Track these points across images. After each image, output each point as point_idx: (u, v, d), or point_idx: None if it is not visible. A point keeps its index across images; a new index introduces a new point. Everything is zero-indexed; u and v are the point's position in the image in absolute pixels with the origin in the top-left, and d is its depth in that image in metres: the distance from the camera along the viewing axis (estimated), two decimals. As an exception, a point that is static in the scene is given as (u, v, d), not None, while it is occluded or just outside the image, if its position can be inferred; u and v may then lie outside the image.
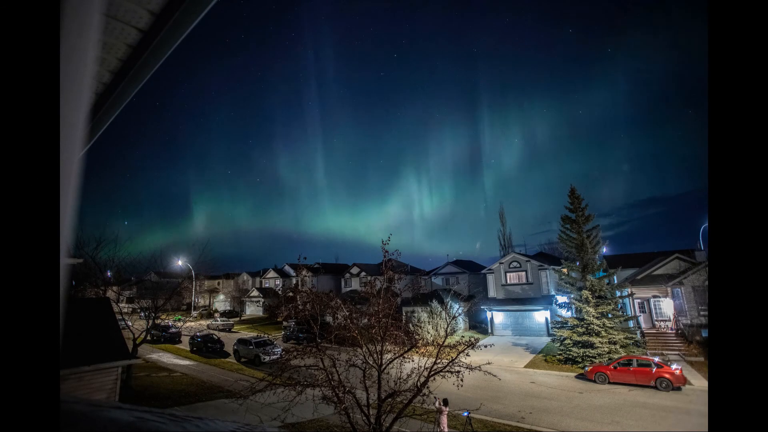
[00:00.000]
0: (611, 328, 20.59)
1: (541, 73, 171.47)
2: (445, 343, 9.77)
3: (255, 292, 54.50)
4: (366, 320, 11.17)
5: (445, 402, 11.58)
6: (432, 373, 8.96)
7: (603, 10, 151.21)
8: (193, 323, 40.42)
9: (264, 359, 23.65)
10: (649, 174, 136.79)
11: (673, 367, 17.09)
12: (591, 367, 18.78)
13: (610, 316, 21.20)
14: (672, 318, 25.43)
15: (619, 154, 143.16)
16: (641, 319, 26.18)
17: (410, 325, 25.48)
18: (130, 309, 36.41)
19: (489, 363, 11.80)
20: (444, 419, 11.44)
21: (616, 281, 25.75)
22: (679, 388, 16.45)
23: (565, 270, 24.30)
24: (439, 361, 9.20)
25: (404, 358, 9.57)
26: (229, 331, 39.74)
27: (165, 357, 27.41)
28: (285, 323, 35.02)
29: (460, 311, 30.22)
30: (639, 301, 26.89)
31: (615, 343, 20.14)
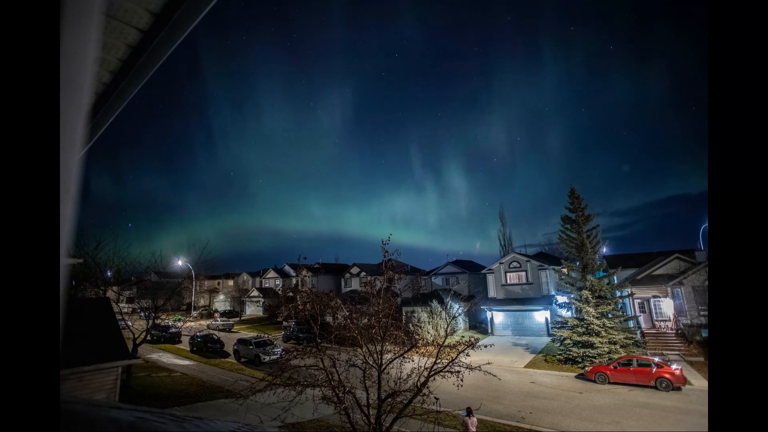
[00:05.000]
0: (611, 328, 20.59)
1: (546, 71, 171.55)
2: (445, 343, 9.76)
3: (255, 292, 54.47)
4: (366, 320, 11.15)
5: (468, 411, 11.22)
6: (432, 373, 8.94)
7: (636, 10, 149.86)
8: (193, 323, 40.41)
9: (264, 359, 23.66)
10: (667, 173, 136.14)
11: (673, 367, 17.08)
12: (591, 367, 18.78)
13: (610, 316, 21.20)
14: (672, 318, 25.42)
15: (633, 152, 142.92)
16: (641, 319, 26.17)
17: (410, 325, 25.46)
18: (130, 309, 36.37)
19: (489, 363, 11.79)
20: (470, 427, 11.07)
21: (616, 281, 25.75)
22: (679, 388, 16.45)
23: (565, 270, 24.29)
24: (439, 361, 9.19)
25: (404, 358, 9.56)
26: (229, 331, 39.72)
27: (165, 357, 27.39)
28: (285, 323, 35.05)
29: (460, 311, 30.19)
30: (639, 301, 26.88)
31: (615, 343, 20.13)
